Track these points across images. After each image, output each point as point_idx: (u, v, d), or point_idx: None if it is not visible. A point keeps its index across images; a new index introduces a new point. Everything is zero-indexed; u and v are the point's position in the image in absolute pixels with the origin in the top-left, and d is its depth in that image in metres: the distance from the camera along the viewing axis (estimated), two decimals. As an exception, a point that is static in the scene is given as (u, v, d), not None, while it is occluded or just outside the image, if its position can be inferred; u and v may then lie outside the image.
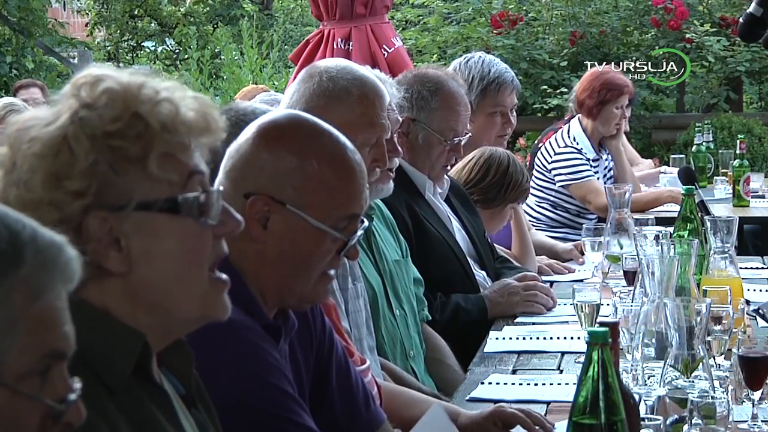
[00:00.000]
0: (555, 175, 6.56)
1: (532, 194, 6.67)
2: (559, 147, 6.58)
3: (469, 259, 4.43)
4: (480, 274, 4.47)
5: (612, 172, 6.85)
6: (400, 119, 3.70)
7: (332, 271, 2.42)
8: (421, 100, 4.33)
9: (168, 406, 1.84)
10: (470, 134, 4.55)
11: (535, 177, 6.65)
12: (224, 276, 1.86)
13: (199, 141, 1.83)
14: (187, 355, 1.90)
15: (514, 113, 5.48)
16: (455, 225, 4.51)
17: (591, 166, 6.57)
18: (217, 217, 1.84)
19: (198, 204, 1.81)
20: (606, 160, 6.79)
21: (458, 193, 4.67)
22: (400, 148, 3.58)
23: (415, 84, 4.35)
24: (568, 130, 6.65)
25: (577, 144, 6.57)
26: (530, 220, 6.53)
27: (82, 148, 1.75)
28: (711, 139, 8.28)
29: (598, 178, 6.62)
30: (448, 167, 4.47)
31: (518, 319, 4.15)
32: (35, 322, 1.36)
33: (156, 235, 1.79)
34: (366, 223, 2.43)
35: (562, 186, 6.54)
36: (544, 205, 6.62)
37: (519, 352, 3.69)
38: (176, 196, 1.80)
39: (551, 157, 6.58)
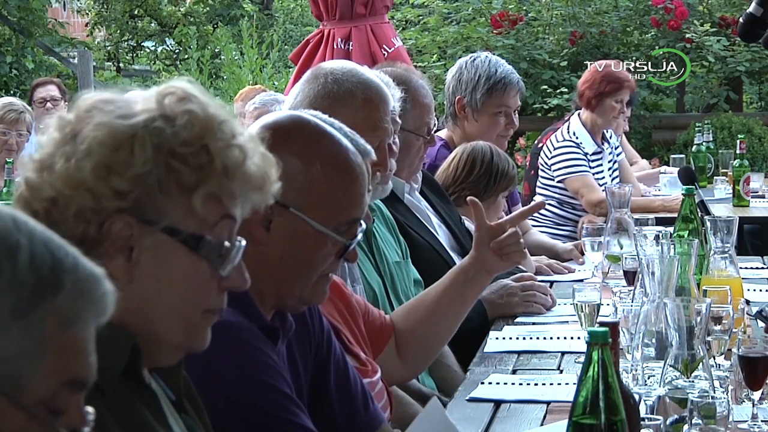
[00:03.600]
0: (554, 171, 6.59)
1: (539, 193, 6.69)
2: (558, 142, 6.64)
3: (452, 253, 4.42)
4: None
5: (617, 164, 6.88)
6: (399, 121, 3.71)
7: (331, 274, 2.42)
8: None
9: (157, 407, 1.84)
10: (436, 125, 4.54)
11: (540, 176, 6.68)
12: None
13: (248, 196, 1.84)
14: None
15: (517, 114, 5.50)
16: (435, 221, 4.51)
17: (589, 160, 6.60)
18: (229, 270, 1.84)
19: (219, 251, 1.82)
20: (610, 153, 6.80)
21: (430, 183, 4.67)
22: (396, 150, 3.59)
23: None
24: (568, 127, 6.70)
25: (577, 138, 6.61)
26: (538, 218, 6.55)
27: (143, 154, 1.76)
28: (711, 139, 8.29)
29: (601, 171, 6.64)
30: (423, 159, 4.46)
31: (518, 319, 4.14)
32: (63, 350, 1.36)
33: (168, 262, 1.80)
34: (364, 226, 2.43)
35: (559, 180, 6.57)
36: (551, 203, 6.64)
37: (519, 352, 3.69)
38: (203, 235, 1.80)
39: (551, 153, 6.63)
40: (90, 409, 1.40)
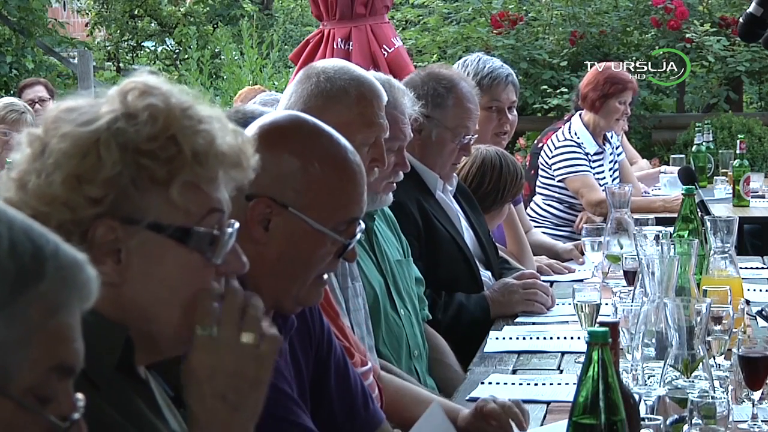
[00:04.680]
0: (555, 171, 6.58)
1: (539, 193, 6.68)
2: (559, 142, 6.62)
3: (475, 259, 4.44)
4: (486, 275, 4.48)
5: (618, 165, 6.87)
6: (412, 135, 3.71)
7: (326, 276, 2.42)
8: (437, 97, 4.35)
9: (152, 401, 1.83)
10: (477, 134, 4.55)
11: (540, 176, 6.67)
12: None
13: (228, 174, 1.82)
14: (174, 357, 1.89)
15: (514, 112, 5.47)
16: (463, 224, 4.52)
17: (590, 160, 6.59)
18: (223, 257, 1.82)
19: (209, 240, 1.80)
20: (611, 153, 6.80)
21: (463, 192, 4.68)
22: (407, 163, 3.59)
23: (429, 81, 4.37)
24: (569, 127, 6.68)
25: (578, 138, 6.60)
26: (538, 219, 6.54)
27: (110, 156, 1.74)
28: (711, 139, 8.29)
29: (602, 172, 6.64)
30: (456, 165, 4.49)
31: (518, 319, 4.15)
32: (49, 338, 1.35)
33: (159, 258, 1.78)
34: (363, 225, 2.43)
35: (560, 180, 6.56)
36: (551, 203, 6.63)
37: (519, 352, 3.69)
38: (190, 227, 1.78)
39: (551, 153, 6.61)
40: (80, 395, 1.39)
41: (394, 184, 3.54)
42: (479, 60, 5.43)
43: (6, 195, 1.78)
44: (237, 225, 1.85)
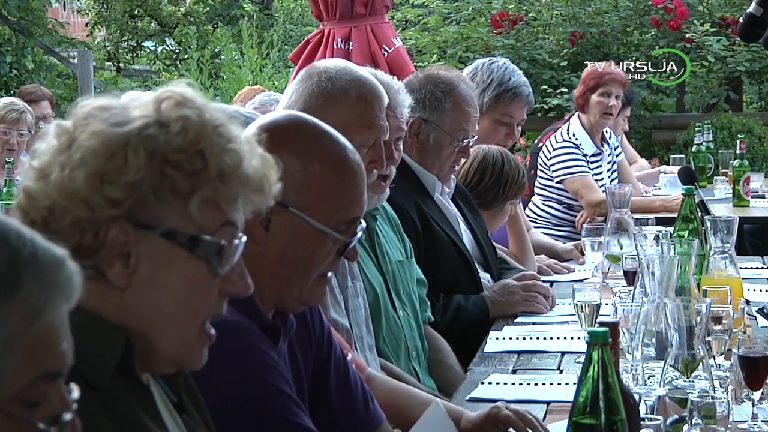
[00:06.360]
0: (553, 171, 6.58)
1: (538, 193, 6.69)
2: (557, 143, 6.62)
3: (474, 261, 4.44)
4: (485, 277, 4.48)
5: (617, 166, 6.87)
6: (405, 128, 3.70)
7: (329, 273, 2.42)
8: (434, 101, 4.35)
9: (151, 405, 1.83)
10: (477, 136, 4.55)
11: (539, 176, 6.67)
12: (212, 331, 1.84)
13: (248, 197, 1.82)
14: None
15: (519, 129, 5.48)
16: (462, 226, 4.52)
17: (588, 161, 6.59)
18: (228, 268, 1.82)
19: (216, 250, 1.80)
20: (609, 154, 6.80)
21: (462, 194, 4.68)
22: (397, 157, 3.58)
23: (427, 84, 4.36)
24: (568, 128, 6.68)
25: (576, 139, 6.60)
26: (536, 219, 6.54)
27: (137, 161, 1.74)
28: (711, 139, 8.30)
29: (600, 173, 6.64)
30: (455, 167, 4.49)
31: (518, 319, 4.16)
32: (33, 343, 1.33)
33: (167, 267, 1.78)
34: (364, 224, 2.44)
35: (558, 181, 6.56)
36: (549, 203, 6.63)
37: (519, 352, 3.69)
38: (200, 236, 1.78)
39: (550, 154, 6.61)
40: (74, 386, 1.38)
41: (386, 183, 3.51)
42: (506, 69, 5.41)
43: (26, 184, 1.77)
44: (244, 239, 1.85)
